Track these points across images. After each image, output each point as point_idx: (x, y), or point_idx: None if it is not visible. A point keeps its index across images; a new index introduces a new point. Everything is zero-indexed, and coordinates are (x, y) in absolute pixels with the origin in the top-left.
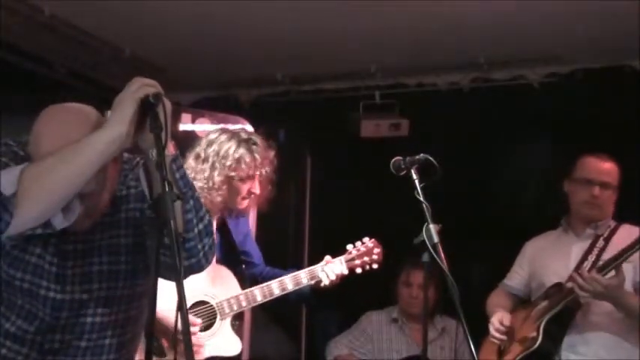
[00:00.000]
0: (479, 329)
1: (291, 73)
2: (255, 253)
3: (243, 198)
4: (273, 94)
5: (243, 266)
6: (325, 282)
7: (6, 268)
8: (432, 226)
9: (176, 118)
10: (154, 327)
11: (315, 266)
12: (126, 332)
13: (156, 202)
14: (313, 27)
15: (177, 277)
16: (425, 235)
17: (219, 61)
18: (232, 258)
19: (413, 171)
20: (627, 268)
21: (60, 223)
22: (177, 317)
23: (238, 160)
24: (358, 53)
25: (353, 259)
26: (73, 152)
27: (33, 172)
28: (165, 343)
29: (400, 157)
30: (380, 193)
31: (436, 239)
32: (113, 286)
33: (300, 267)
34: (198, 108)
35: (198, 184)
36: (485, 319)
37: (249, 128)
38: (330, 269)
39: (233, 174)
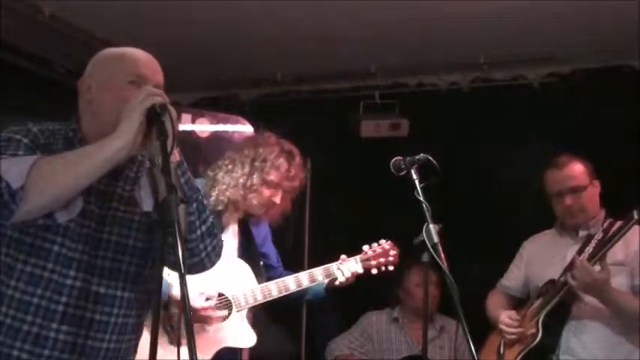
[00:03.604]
0: (478, 329)
1: (291, 73)
2: (274, 255)
3: (264, 203)
4: (273, 94)
5: (262, 263)
6: (341, 279)
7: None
8: (431, 226)
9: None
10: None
11: (331, 264)
12: (129, 315)
13: (161, 205)
14: (313, 27)
15: (181, 276)
16: (425, 235)
17: (219, 61)
18: (251, 255)
19: (413, 171)
20: (622, 271)
21: (61, 216)
22: (180, 314)
23: (276, 167)
24: (358, 53)
25: (369, 259)
26: (83, 156)
27: (43, 168)
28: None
29: (400, 157)
30: (380, 192)
31: (436, 239)
32: (119, 258)
33: (300, 265)
34: (198, 108)
35: (234, 176)
36: (484, 319)
37: (249, 128)
38: (346, 267)
39: (267, 178)
